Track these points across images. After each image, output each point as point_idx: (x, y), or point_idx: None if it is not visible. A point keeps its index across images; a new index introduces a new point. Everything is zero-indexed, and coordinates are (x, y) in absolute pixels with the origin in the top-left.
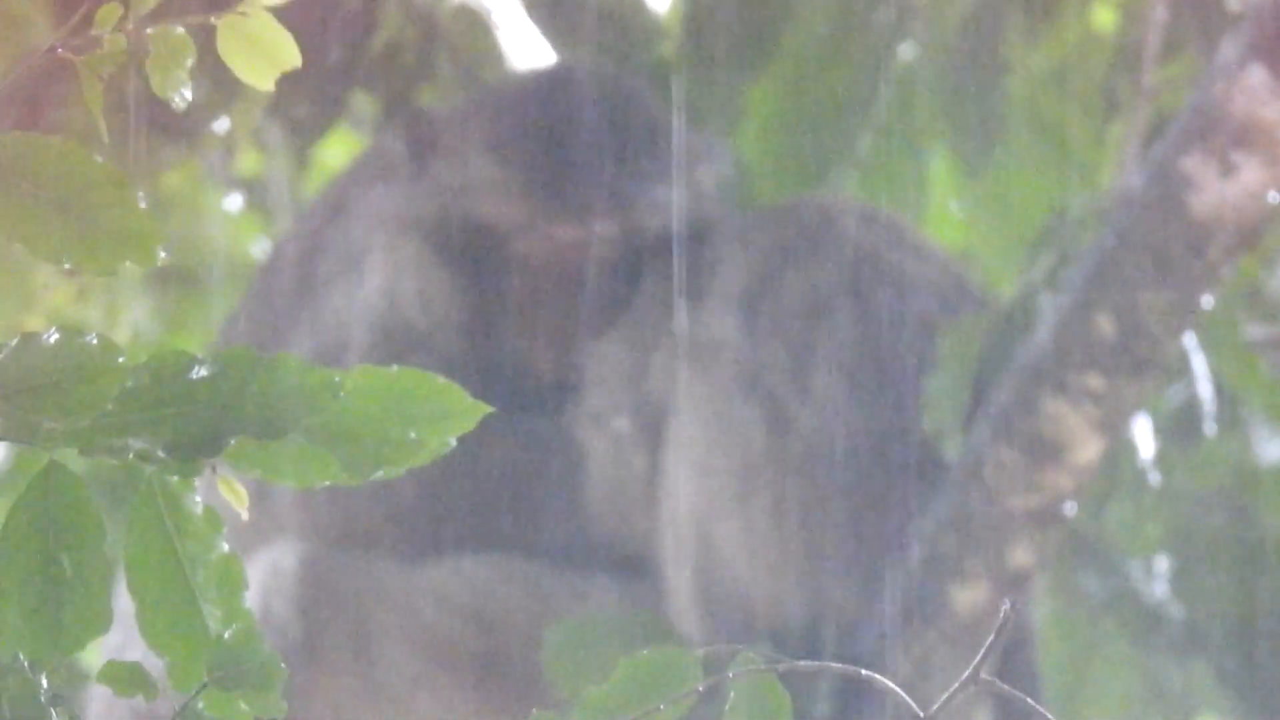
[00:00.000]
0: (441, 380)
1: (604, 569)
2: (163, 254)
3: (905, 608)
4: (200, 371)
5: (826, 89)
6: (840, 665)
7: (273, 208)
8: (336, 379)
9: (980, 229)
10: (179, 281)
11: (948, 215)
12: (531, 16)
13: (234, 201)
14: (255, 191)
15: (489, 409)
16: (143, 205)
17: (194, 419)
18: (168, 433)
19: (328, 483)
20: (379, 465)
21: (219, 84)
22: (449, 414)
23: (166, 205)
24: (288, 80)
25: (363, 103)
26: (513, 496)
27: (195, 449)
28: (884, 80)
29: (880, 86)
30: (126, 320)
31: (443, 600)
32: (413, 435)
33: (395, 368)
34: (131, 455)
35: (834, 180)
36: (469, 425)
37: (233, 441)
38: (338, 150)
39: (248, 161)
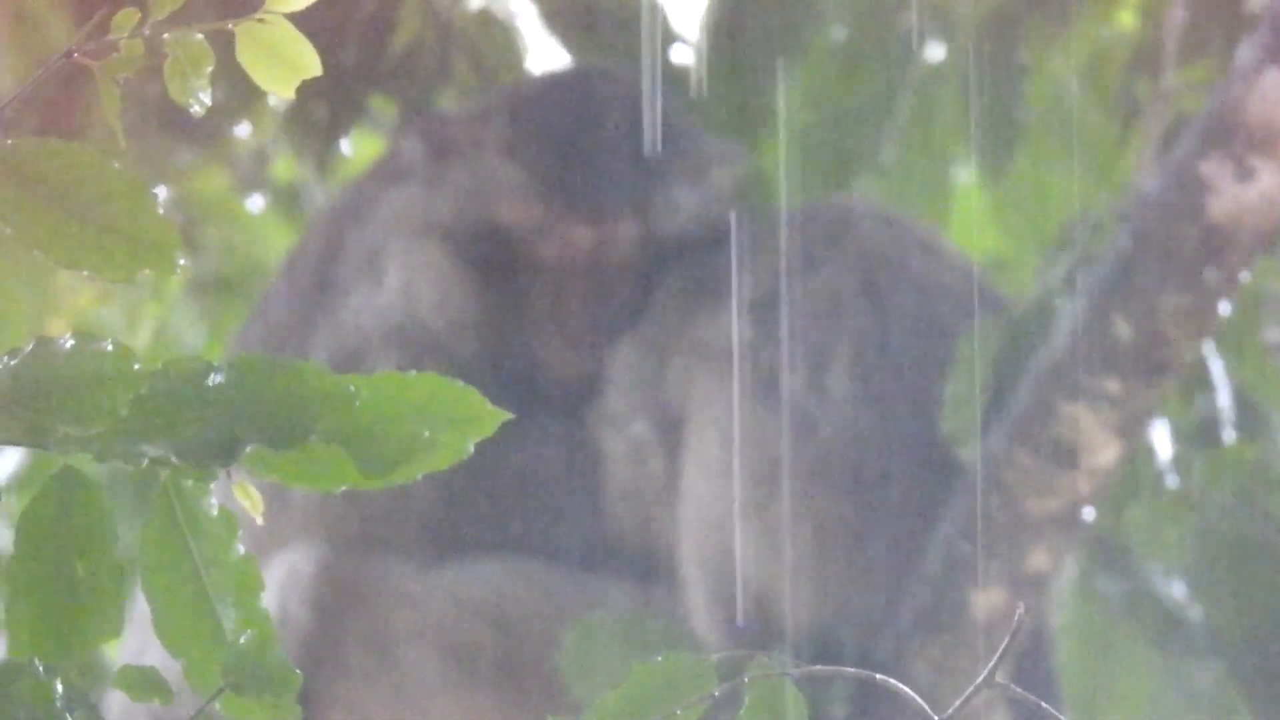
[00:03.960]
0: (460, 385)
1: (621, 572)
2: (181, 261)
3: (922, 612)
4: (216, 378)
5: (849, 92)
6: (856, 670)
7: (302, 212)
8: (353, 387)
9: (1003, 233)
10: (216, 288)
11: (973, 219)
12: (547, 22)
13: (265, 206)
14: (286, 196)
15: (508, 415)
16: (161, 212)
17: (209, 426)
18: (183, 439)
19: (345, 487)
20: (396, 469)
21: (237, 89)
22: (468, 420)
23: (200, 211)
24: (306, 83)
25: (381, 105)
26: (530, 499)
27: (210, 456)
28: (907, 83)
29: (903, 90)
30: (165, 327)
31: (460, 603)
32: (427, 434)
33: (414, 373)
34: (146, 461)
35: (856, 184)
36: (487, 431)
37: (249, 449)
38: (358, 152)
39: (279, 167)
